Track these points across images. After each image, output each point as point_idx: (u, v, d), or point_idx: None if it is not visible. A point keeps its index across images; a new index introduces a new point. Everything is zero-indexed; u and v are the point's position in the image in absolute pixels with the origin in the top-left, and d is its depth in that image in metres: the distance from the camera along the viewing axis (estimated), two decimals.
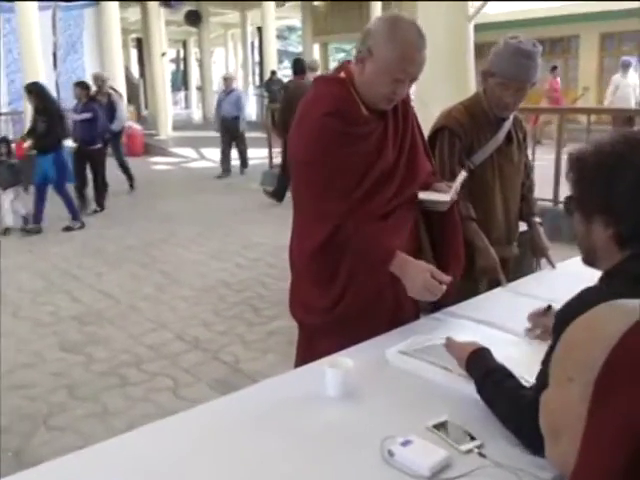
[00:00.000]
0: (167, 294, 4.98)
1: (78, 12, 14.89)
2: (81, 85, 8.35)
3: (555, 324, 1.23)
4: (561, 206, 6.17)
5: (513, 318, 1.97)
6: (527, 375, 1.48)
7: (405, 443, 1.34)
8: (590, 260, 1.35)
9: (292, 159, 2.11)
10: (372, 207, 2.01)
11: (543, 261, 2.71)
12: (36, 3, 11.79)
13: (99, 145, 8.26)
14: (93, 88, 8.95)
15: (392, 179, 2.06)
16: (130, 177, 9.96)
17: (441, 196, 2.14)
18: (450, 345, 1.69)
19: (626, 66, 12.58)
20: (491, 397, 1.48)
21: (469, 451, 1.35)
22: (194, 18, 17.90)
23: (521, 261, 2.92)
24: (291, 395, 1.64)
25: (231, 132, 10.98)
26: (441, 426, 1.44)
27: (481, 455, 1.34)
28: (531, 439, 1.27)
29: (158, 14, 15.40)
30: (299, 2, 23.30)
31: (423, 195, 2.13)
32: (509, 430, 1.40)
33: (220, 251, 6.29)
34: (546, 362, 1.21)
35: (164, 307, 4.69)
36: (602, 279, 1.30)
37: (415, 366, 1.73)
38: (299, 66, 8.58)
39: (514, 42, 2.44)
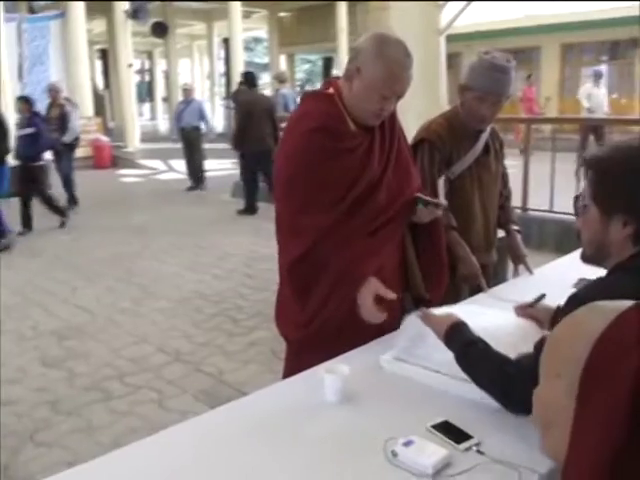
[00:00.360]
0: (144, 307, 4.98)
1: (44, 24, 14.76)
2: (23, 100, 8.09)
3: (568, 305, 1.34)
4: (531, 213, 6.33)
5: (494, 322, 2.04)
6: None
7: (407, 443, 1.40)
8: (599, 256, 1.44)
9: (276, 174, 2.16)
10: (358, 222, 2.05)
11: (520, 267, 2.82)
12: (1, 15, 11.66)
13: (41, 162, 7.87)
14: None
15: (378, 192, 2.10)
16: (72, 197, 9.24)
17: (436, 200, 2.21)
18: (426, 317, 1.75)
19: (598, 76, 12.88)
20: (474, 365, 1.56)
21: (468, 449, 1.42)
22: (160, 30, 17.84)
23: (497, 266, 3.02)
24: (291, 402, 1.69)
25: (191, 143, 10.84)
26: (439, 426, 1.50)
27: (479, 452, 1.41)
28: (519, 403, 1.37)
29: (125, 26, 15.32)
30: (266, 14, 23.43)
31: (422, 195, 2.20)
32: (494, 396, 1.49)
33: (195, 263, 6.30)
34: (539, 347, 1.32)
35: (143, 320, 4.69)
36: (613, 271, 1.38)
37: (409, 371, 1.80)
38: (250, 78, 9.10)
39: (488, 57, 2.54)
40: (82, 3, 14.63)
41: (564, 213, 6.31)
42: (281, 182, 2.11)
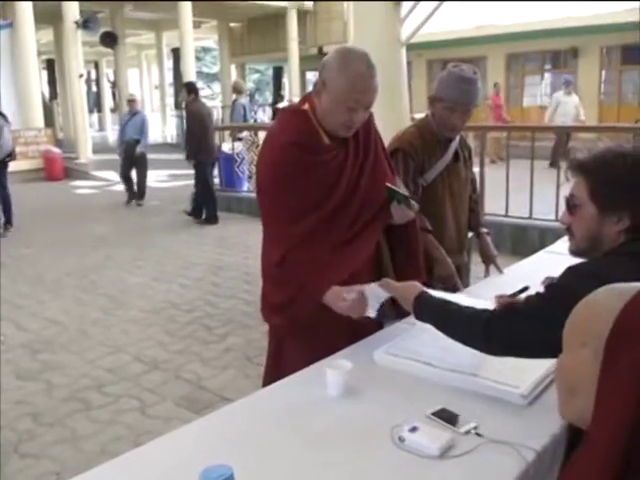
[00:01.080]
0: (116, 317, 4.99)
1: None
2: None
3: (565, 275, 1.52)
4: (488, 217, 6.55)
5: None
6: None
7: (412, 429, 1.53)
8: (591, 249, 1.59)
9: (257, 183, 2.26)
10: (334, 231, 2.15)
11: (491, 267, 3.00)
12: None
13: None
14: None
15: (353, 202, 2.20)
16: (8, 214, 8.70)
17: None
18: (388, 286, 1.91)
19: (568, 84, 13.26)
20: (453, 321, 1.72)
21: (467, 432, 1.55)
22: (110, 40, 17.70)
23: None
24: (295, 398, 1.78)
25: (132, 156, 10.33)
26: (438, 413, 1.63)
27: (478, 435, 1.54)
28: (500, 342, 1.59)
29: (75, 36, 15.14)
30: (216, 24, 23.45)
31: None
32: (475, 343, 1.68)
33: (161, 273, 6.32)
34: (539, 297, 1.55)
35: (115, 330, 4.71)
36: (605, 255, 1.55)
37: (402, 364, 1.93)
38: (193, 86, 9.40)
39: (456, 70, 2.72)
40: (31, 13, 14.40)
41: (519, 217, 6.59)
42: (260, 191, 2.21)
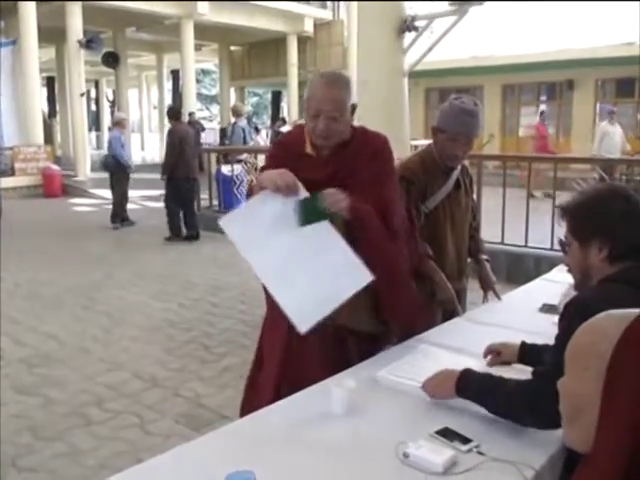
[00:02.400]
0: (115, 335, 5.03)
1: None
2: None
3: (565, 313, 1.58)
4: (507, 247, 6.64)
5: (475, 344, 2.25)
6: None
7: (417, 446, 1.59)
8: (585, 281, 1.71)
9: None
10: None
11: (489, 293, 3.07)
12: None
13: None
14: None
15: None
16: None
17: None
18: (427, 388, 1.88)
19: (612, 113, 12.79)
20: (498, 400, 1.73)
21: (469, 451, 1.61)
22: (112, 60, 17.90)
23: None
24: (302, 415, 1.84)
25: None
26: (441, 432, 1.69)
27: (480, 453, 1.60)
28: (548, 416, 1.48)
29: (78, 55, 15.31)
30: (216, 47, 23.73)
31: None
32: (523, 419, 1.67)
33: (159, 291, 6.36)
34: (558, 350, 1.49)
35: (115, 347, 4.74)
36: (598, 285, 1.65)
37: (404, 386, 1.99)
38: (174, 112, 9.70)
39: (458, 102, 2.81)
40: (35, 31, 14.58)
41: (514, 245, 6.68)
42: None
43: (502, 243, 6.67)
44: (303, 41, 21.51)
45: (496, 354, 2.12)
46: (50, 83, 24.74)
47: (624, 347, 0.91)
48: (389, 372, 2.07)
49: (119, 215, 10.42)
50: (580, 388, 0.97)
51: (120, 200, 10.43)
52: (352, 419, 1.81)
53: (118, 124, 10.59)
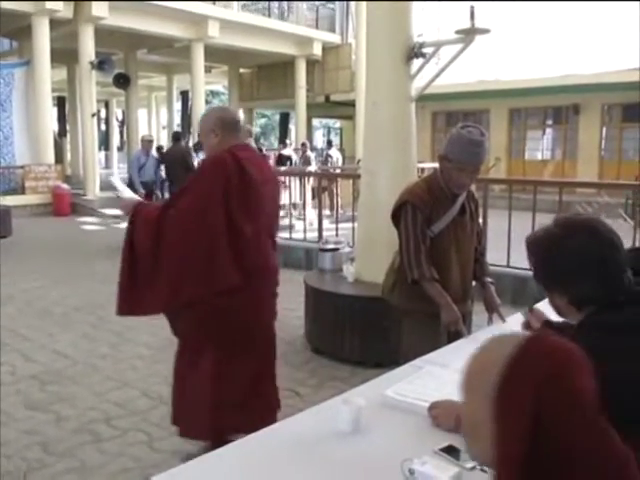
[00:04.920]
0: (123, 353, 5.09)
1: (8, 71, 14.88)
2: None
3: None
4: (513, 270, 6.67)
5: None
6: None
7: (422, 463, 1.64)
8: (565, 322, 1.78)
9: None
10: None
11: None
12: None
13: None
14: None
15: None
16: None
17: None
18: (431, 414, 1.93)
19: None
20: None
21: (473, 468, 1.66)
22: (123, 81, 18.13)
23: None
24: (310, 432, 1.90)
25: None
26: (446, 450, 1.75)
27: (483, 470, 1.65)
28: None
29: (89, 76, 15.55)
30: (226, 69, 24.02)
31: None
32: None
33: None
34: None
35: (123, 365, 4.80)
36: (576, 330, 1.67)
37: (410, 405, 2.05)
38: (176, 136, 11.02)
39: (465, 133, 2.88)
40: (48, 53, 14.82)
41: (520, 268, 6.72)
42: None
43: (508, 266, 6.71)
44: (311, 64, 21.79)
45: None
46: (61, 103, 25.08)
47: (509, 372, 0.98)
48: (395, 391, 2.13)
49: None
50: (472, 413, 1.04)
51: None
52: (359, 436, 1.87)
53: (142, 144, 10.84)
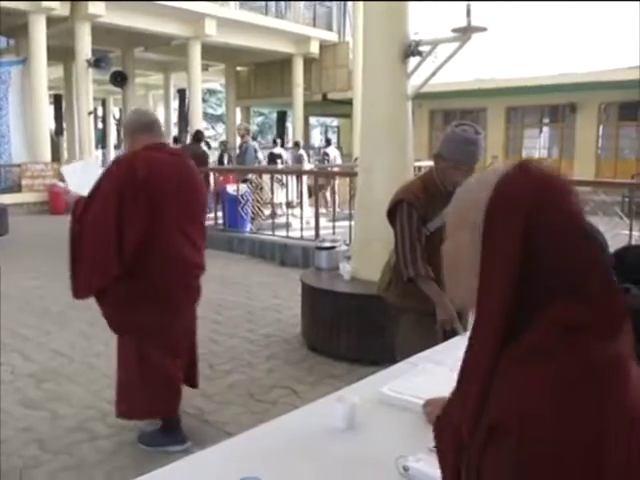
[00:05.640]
0: None
1: (5, 69, 14.85)
2: None
3: None
4: None
5: None
6: None
7: (417, 460, 1.65)
8: None
9: None
10: None
11: None
12: None
13: None
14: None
15: None
16: None
17: None
18: (426, 411, 1.91)
19: None
20: None
21: None
22: (120, 79, 18.10)
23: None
24: (306, 429, 1.90)
25: None
26: None
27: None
28: None
29: (86, 74, 15.53)
30: (223, 67, 24.01)
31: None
32: None
33: None
34: None
35: None
36: None
37: (405, 402, 2.05)
38: (198, 136, 11.63)
39: (459, 131, 2.88)
40: (44, 51, 14.81)
41: None
42: None
43: None
44: (309, 62, 21.78)
45: None
46: (58, 101, 25.00)
47: (495, 199, 0.97)
48: (391, 389, 2.13)
49: None
50: (458, 248, 1.03)
51: None
52: (355, 433, 1.87)
53: None
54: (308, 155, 17.23)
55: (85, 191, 3.23)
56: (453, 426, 1.06)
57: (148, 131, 3.32)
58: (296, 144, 16.53)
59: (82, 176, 3.64)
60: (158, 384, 3.37)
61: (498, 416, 0.90)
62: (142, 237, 3.15)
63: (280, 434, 1.88)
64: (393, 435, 1.87)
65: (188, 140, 15.28)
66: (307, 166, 14.09)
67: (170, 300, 3.36)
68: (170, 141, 12.34)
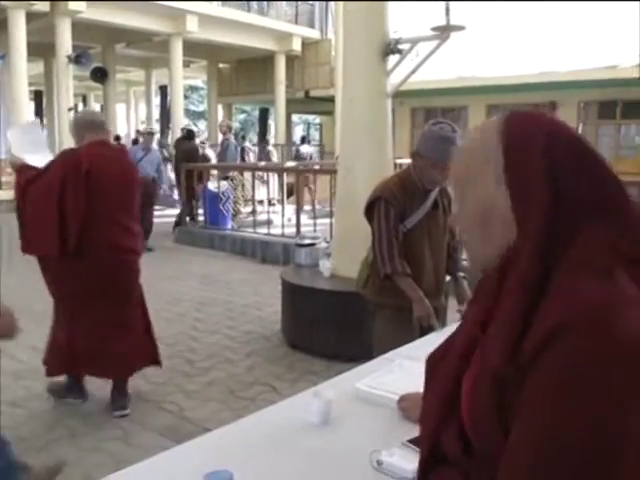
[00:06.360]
0: None
1: None
2: None
3: None
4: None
5: None
6: None
7: (390, 454, 1.68)
8: None
9: None
10: None
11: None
12: None
13: None
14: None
15: None
16: None
17: None
18: (400, 407, 1.96)
19: None
20: None
21: None
22: (100, 75, 17.96)
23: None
24: (282, 423, 1.92)
25: (149, 196, 9.22)
26: (414, 440, 1.78)
27: None
28: None
29: (66, 70, 15.39)
30: (205, 64, 23.90)
31: None
32: None
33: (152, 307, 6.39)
34: None
35: None
36: None
37: (380, 397, 2.08)
38: (190, 134, 11.61)
39: (436, 129, 2.91)
40: (24, 46, 14.65)
41: None
42: None
43: None
44: (291, 59, 21.73)
45: None
46: (38, 97, 24.79)
47: (513, 151, 0.96)
48: (366, 384, 2.16)
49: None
50: (486, 192, 0.98)
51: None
52: (330, 429, 1.89)
53: (143, 138, 10.18)
54: (284, 153, 17.44)
55: (27, 156, 3.68)
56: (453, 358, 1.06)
57: (94, 129, 3.70)
58: (266, 140, 16.78)
59: (25, 139, 3.91)
60: (59, 347, 3.93)
61: (562, 316, 0.84)
62: (82, 224, 3.56)
63: (256, 429, 1.90)
64: (368, 430, 1.89)
65: (169, 139, 15.26)
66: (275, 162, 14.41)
67: (103, 279, 3.75)
68: (155, 142, 12.26)
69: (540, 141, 0.94)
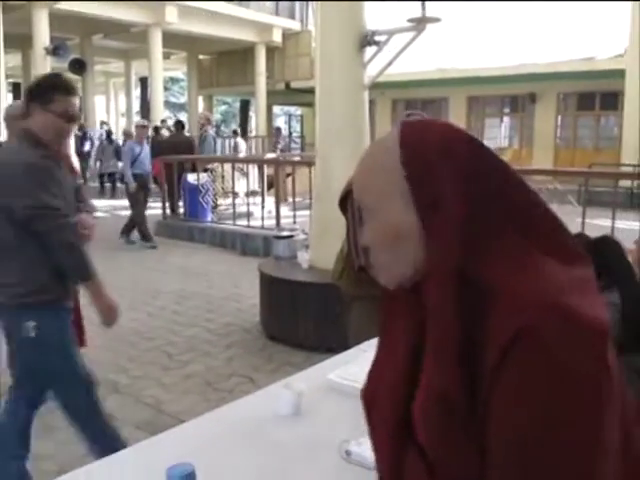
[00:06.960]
0: None
1: None
2: None
3: None
4: None
5: None
6: None
7: (359, 444, 1.69)
8: None
9: None
10: None
11: None
12: None
13: None
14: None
15: None
16: None
17: None
18: None
19: None
20: None
21: None
22: (79, 66, 17.74)
23: None
24: (252, 415, 1.92)
25: (145, 191, 9.48)
26: None
27: None
28: None
29: (44, 62, 15.22)
30: (185, 55, 23.74)
31: None
32: None
33: (124, 300, 6.36)
34: None
35: None
36: None
37: (351, 388, 2.09)
38: (180, 125, 12.10)
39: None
40: (1, 38, 14.45)
41: None
42: None
43: None
44: (271, 51, 21.66)
45: None
46: (16, 89, 24.48)
47: (409, 153, 0.92)
48: (338, 375, 2.17)
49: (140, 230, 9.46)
50: (397, 218, 0.93)
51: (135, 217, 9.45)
52: (300, 420, 1.90)
53: (136, 132, 9.69)
54: (264, 144, 17.47)
55: None
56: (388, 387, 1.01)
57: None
58: (234, 132, 17.02)
59: None
60: None
61: (518, 321, 0.81)
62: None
63: (226, 421, 1.91)
64: (338, 420, 1.90)
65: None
66: (243, 154, 14.63)
67: None
68: (150, 131, 12.32)
69: (437, 146, 0.91)
